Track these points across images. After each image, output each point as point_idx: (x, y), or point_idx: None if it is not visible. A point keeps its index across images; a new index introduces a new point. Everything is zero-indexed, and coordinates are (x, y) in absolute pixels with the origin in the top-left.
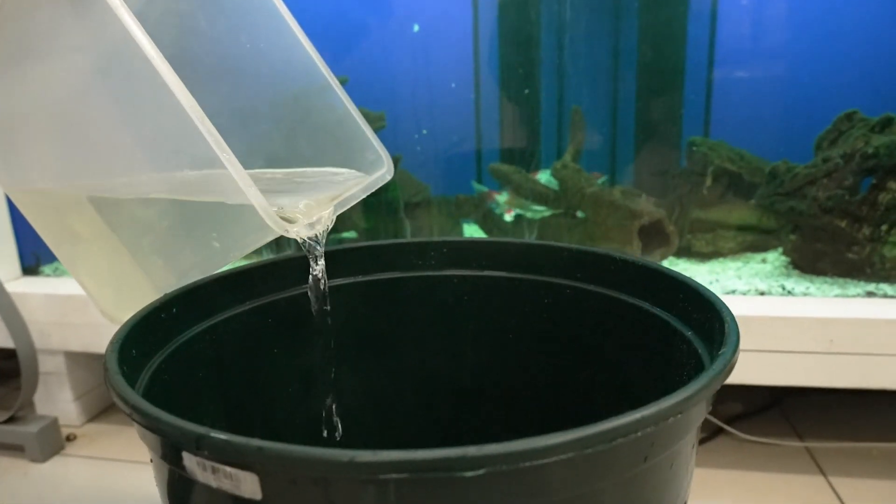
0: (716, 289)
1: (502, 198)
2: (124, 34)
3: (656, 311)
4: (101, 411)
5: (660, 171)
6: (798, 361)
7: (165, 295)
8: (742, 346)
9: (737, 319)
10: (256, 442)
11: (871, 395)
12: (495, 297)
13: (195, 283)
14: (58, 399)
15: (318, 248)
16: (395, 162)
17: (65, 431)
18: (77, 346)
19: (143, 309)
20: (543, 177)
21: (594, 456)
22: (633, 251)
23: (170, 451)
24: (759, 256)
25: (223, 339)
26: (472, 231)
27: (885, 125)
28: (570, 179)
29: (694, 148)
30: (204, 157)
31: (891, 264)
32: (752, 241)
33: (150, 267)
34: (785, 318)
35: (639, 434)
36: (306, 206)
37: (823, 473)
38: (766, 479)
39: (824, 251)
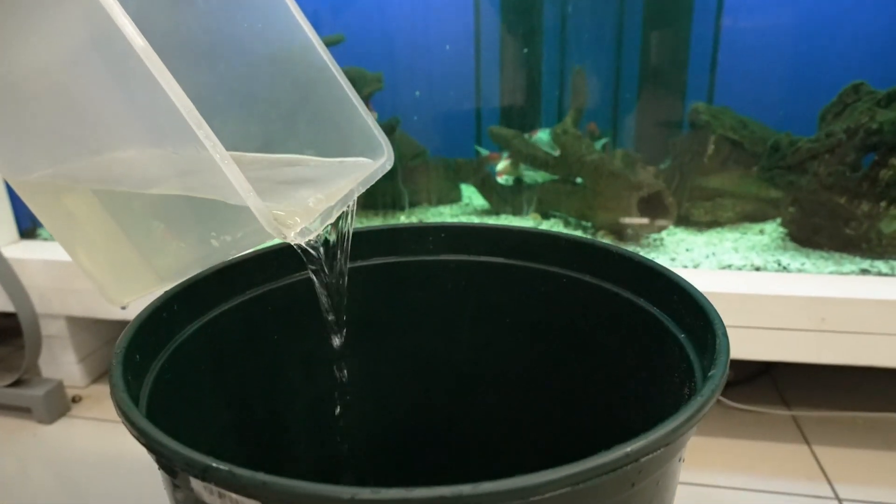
0: (712, 263)
1: (500, 165)
2: (107, 19)
3: (651, 308)
4: (104, 372)
5: (662, 138)
6: (790, 338)
7: (165, 293)
8: (736, 322)
9: (732, 296)
10: (261, 476)
11: (860, 366)
12: (493, 283)
13: (194, 278)
14: (61, 361)
15: (316, 253)
16: (394, 125)
17: (70, 393)
18: (78, 311)
19: (145, 310)
20: (543, 135)
21: (584, 490)
22: (632, 222)
23: (177, 474)
24: (758, 227)
25: (224, 331)
26: (470, 193)
27: (891, 99)
28: (571, 146)
29: (697, 115)
30: (202, 160)
31: (887, 240)
32: (752, 210)
33: (148, 252)
34: (779, 297)
35: (627, 468)
36: (304, 210)
37: (807, 442)
38: (752, 447)
39: (822, 225)
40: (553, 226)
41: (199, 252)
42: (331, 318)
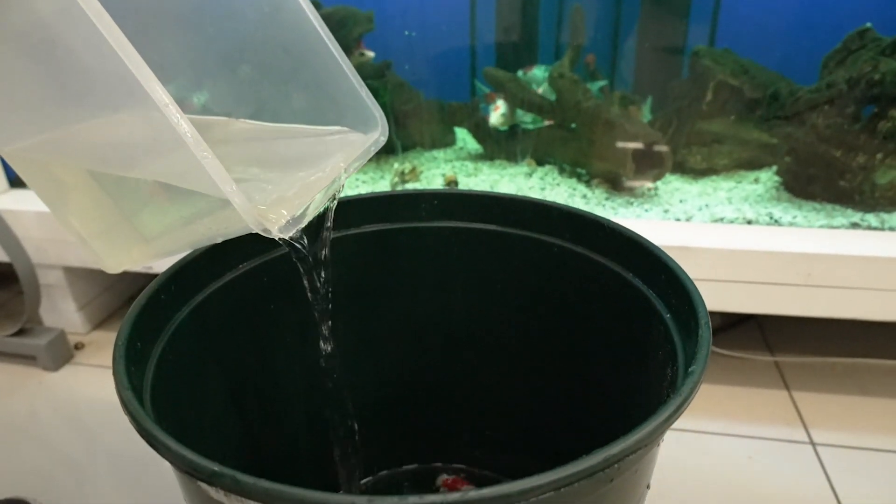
0: (705, 216)
1: (494, 117)
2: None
3: (639, 284)
4: (104, 319)
5: (662, 80)
6: (777, 292)
7: (161, 275)
8: (726, 276)
9: (723, 252)
10: (264, 483)
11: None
12: (485, 250)
13: (186, 258)
14: (62, 310)
15: (302, 248)
16: (384, 68)
17: (72, 340)
18: (75, 261)
19: (142, 296)
20: (538, 72)
21: (566, 492)
22: (626, 173)
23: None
24: (753, 175)
25: (221, 306)
26: (464, 136)
27: None
28: (567, 91)
29: (697, 58)
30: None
31: (880, 192)
32: (748, 157)
33: (136, 220)
34: (768, 252)
35: (606, 471)
36: (290, 201)
37: (787, 388)
38: (733, 392)
39: (817, 176)
40: (548, 173)
41: (187, 230)
42: (318, 308)
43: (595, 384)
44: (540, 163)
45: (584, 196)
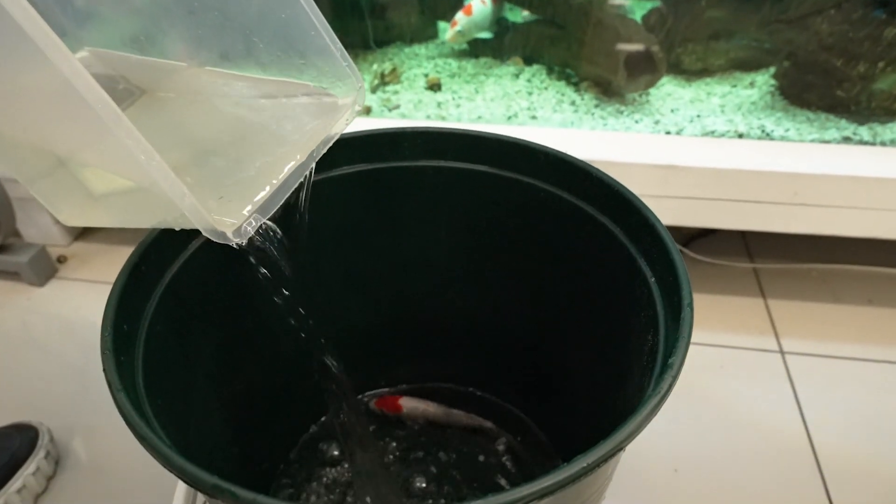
0: (696, 128)
1: (451, 33)
2: None
3: (625, 241)
4: (85, 229)
5: None
6: (762, 210)
7: (137, 248)
8: (712, 194)
9: (711, 171)
10: (262, 499)
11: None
12: (470, 189)
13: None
14: (40, 223)
15: (269, 249)
16: None
17: (54, 253)
18: None
19: (119, 277)
20: None
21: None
22: (618, 80)
23: None
24: (748, 78)
25: (204, 266)
26: (446, 28)
27: None
28: None
29: None
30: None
31: (877, 102)
32: (745, 57)
33: (77, 172)
34: (756, 172)
35: (587, 475)
36: (245, 200)
37: (763, 295)
38: (710, 301)
39: (814, 83)
40: (536, 73)
41: (136, 202)
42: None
43: (575, 328)
44: (528, 62)
45: (573, 103)
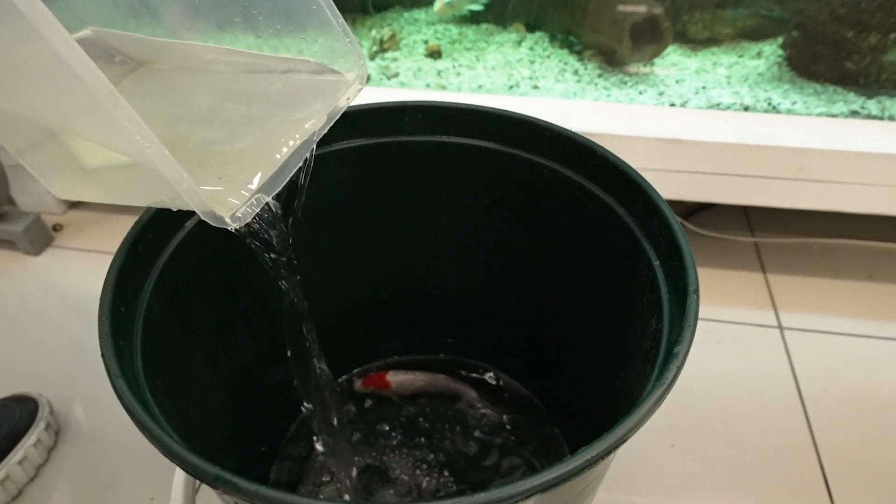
0: (701, 100)
1: (438, 4)
2: None
3: (630, 222)
4: None
5: None
6: (767, 185)
7: (134, 227)
8: (715, 170)
9: (716, 145)
10: (264, 490)
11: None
12: (471, 165)
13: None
14: (34, 191)
15: (267, 232)
16: None
17: (50, 221)
18: None
19: (115, 259)
20: None
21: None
22: (623, 49)
23: None
24: (756, 48)
25: (200, 244)
26: None
27: None
28: None
29: None
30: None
31: (886, 74)
32: (753, 26)
33: (69, 143)
34: (761, 147)
35: (593, 467)
36: (244, 183)
37: (763, 270)
38: (709, 274)
39: (823, 54)
40: (538, 41)
41: (131, 178)
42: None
43: (576, 305)
44: (530, 28)
45: (576, 72)
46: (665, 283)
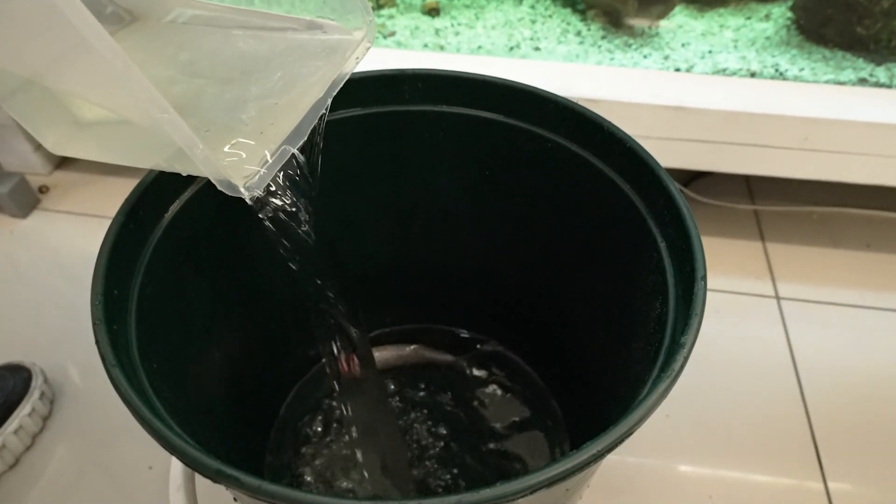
0: (707, 65)
1: None
2: None
3: (635, 199)
4: (66, 157)
5: None
6: (771, 154)
7: (129, 198)
8: (719, 138)
9: (720, 113)
10: (267, 486)
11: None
12: (472, 136)
13: (150, 175)
14: (18, 151)
15: (282, 201)
16: None
17: (35, 182)
18: None
19: (105, 240)
20: None
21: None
22: (628, 9)
23: None
24: (764, 10)
25: (195, 216)
26: None
27: None
28: None
29: None
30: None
31: None
32: None
33: (60, 92)
34: (767, 115)
35: (599, 460)
36: (257, 150)
37: (762, 238)
38: (707, 243)
39: (834, 18)
40: None
41: (129, 136)
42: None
43: (578, 281)
44: None
45: (579, 33)
46: (671, 266)
